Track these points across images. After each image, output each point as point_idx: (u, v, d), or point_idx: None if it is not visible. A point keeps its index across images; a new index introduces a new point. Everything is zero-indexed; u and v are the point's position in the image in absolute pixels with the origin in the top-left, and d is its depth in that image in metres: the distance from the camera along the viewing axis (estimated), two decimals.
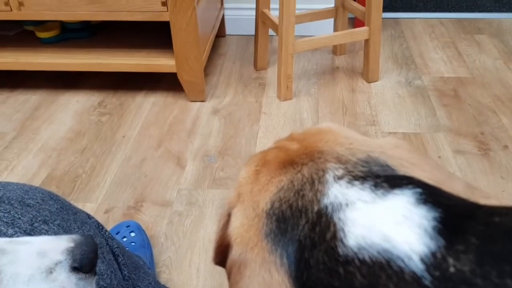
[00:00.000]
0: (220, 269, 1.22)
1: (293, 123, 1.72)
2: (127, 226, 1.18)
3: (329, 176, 0.34)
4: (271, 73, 2.04)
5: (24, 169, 1.54)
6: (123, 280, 0.57)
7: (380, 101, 1.82)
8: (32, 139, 1.67)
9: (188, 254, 1.26)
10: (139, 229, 1.20)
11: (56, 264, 0.43)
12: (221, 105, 1.85)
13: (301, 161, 0.38)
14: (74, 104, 1.86)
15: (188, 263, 1.24)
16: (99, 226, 0.62)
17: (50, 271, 0.42)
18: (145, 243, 1.17)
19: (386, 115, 1.74)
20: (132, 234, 1.15)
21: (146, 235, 1.24)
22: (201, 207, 1.40)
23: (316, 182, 0.34)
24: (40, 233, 0.53)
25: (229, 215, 0.39)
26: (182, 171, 1.53)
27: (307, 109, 1.79)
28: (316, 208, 0.32)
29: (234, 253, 0.36)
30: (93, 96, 1.91)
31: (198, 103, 1.86)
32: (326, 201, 0.32)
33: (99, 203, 1.42)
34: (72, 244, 0.44)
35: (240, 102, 1.86)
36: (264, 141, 1.64)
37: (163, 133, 1.70)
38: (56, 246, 0.44)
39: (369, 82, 1.93)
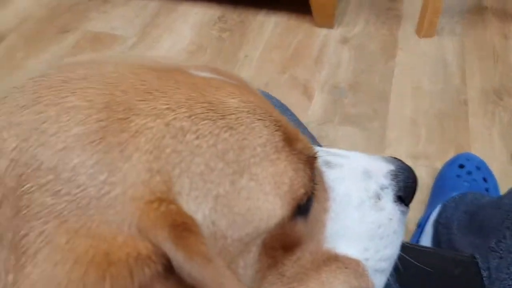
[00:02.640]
0: None
1: (434, 65, 1.59)
2: None
3: None
4: (408, 4, 1.88)
5: None
6: None
7: None
8: (153, 47, 1.65)
9: None
10: None
11: (382, 189, 0.37)
12: (350, 35, 1.73)
13: None
14: (193, 16, 1.81)
15: None
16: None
17: (378, 196, 0.37)
18: None
19: None
20: None
21: None
22: (332, 143, 1.34)
23: None
24: None
25: None
26: (309, 101, 1.46)
27: (451, 51, 1.64)
28: None
29: None
30: (212, 10, 1.84)
31: (325, 30, 1.75)
32: None
33: None
34: (393, 167, 0.38)
35: (372, 34, 1.74)
36: (402, 81, 1.53)
37: (287, 58, 1.63)
38: (378, 167, 0.38)
39: None
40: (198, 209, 0.27)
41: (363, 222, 0.37)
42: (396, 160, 0.40)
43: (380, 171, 0.38)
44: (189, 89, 0.30)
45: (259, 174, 0.29)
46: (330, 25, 1.75)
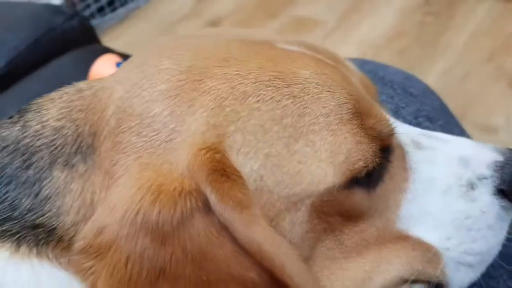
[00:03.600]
0: None
1: None
2: None
3: None
4: None
5: None
6: None
7: None
8: (351, 32, 1.67)
9: None
10: None
11: (480, 179, 0.35)
12: None
13: None
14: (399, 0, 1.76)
15: None
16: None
17: (471, 186, 0.35)
18: None
19: None
20: None
21: None
22: None
23: None
24: None
25: None
26: None
27: None
28: None
29: None
30: None
31: None
32: None
33: None
34: (501, 158, 0.36)
35: None
36: None
37: (497, 46, 1.48)
38: (481, 156, 0.36)
39: None
40: (247, 163, 0.31)
41: (448, 210, 0.36)
42: (508, 151, 0.37)
43: (484, 160, 0.36)
44: (266, 59, 0.34)
45: (317, 142, 0.31)
46: None
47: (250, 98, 0.32)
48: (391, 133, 0.34)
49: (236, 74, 0.33)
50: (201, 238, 0.29)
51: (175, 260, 0.28)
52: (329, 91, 0.33)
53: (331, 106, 0.32)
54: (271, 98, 0.32)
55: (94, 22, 1.78)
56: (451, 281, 0.36)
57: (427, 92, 0.51)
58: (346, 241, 0.34)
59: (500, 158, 0.36)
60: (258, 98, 0.32)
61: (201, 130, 0.31)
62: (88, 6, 1.77)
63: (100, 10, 1.83)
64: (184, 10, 1.98)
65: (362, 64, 0.53)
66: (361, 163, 0.32)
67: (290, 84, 0.32)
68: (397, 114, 0.46)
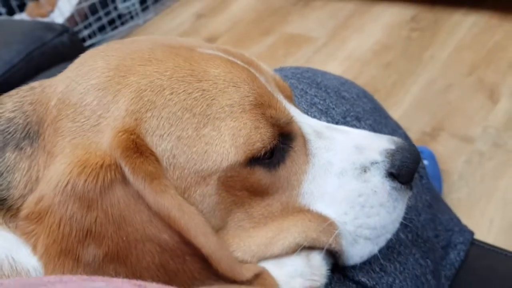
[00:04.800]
0: None
1: None
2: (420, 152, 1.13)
3: None
4: None
5: None
6: (426, 207, 0.53)
7: None
8: (340, 47, 1.73)
9: (482, 202, 1.14)
10: (432, 159, 1.14)
11: (372, 163, 0.41)
12: None
13: None
14: (387, 16, 1.83)
15: (481, 211, 1.12)
16: (407, 139, 0.58)
17: (364, 169, 0.41)
18: (437, 175, 1.11)
19: None
20: (425, 162, 1.09)
21: (438, 167, 1.16)
22: (509, 153, 1.23)
23: None
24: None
25: None
26: (493, 106, 1.36)
27: None
28: None
29: None
30: (408, 9, 1.83)
31: None
32: None
33: None
34: (393, 147, 0.41)
35: None
36: None
37: (478, 59, 1.53)
38: (375, 144, 0.41)
39: None
40: (161, 143, 0.37)
41: (343, 189, 0.41)
42: (400, 141, 0.42)
43: (377, 148, 0.41)
44: (183, 60, 0.40)
45: (222, 127, 0.37)
46: None
47: (165, 91, 0.38)
48: (288, 122, 0.40)
49: (155, 71, 0.39)
50: (121, 204, 0.34)
51: (99, 222, 0.34)
52: (235, 86, 0.39)
53: (235, 98, 0.38)
54: (184, 91, 0.38)
55: (95, 40, 1.86)
56: (351, 252, 0.41)
57: (361, 96, 0.56)
58: (255, 213, 0.40)
59: (392, 146, 0.41)
60: (172, 91, 0.38)
61: (122, 116, 0.37)
62: (90, 24, 1.86)
63: (101, 29, 1.91)
64: (182, 28, 2.07)
65: (305, 71, 0.59)
66: (259, 144, 0.38)
67: (201, 80, 0.38)
68: (326, 113, 0.51)
